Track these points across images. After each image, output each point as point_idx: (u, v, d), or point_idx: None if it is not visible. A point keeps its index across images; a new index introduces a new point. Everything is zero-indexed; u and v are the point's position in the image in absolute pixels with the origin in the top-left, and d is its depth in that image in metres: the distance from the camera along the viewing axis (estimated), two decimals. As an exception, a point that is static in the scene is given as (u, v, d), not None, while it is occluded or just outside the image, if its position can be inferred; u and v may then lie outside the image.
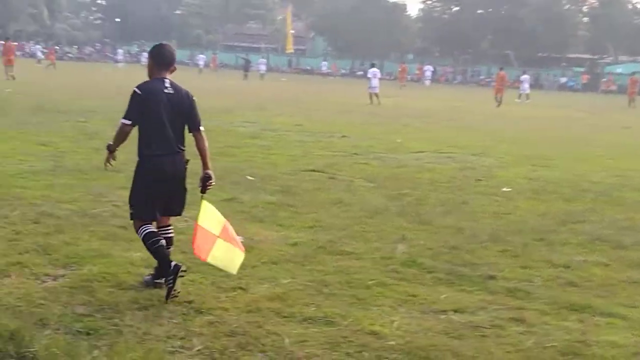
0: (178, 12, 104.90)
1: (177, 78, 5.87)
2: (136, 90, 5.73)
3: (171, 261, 5.63)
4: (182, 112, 5.85)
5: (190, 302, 5.61)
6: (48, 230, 7.49)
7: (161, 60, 5.90)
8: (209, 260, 5.73)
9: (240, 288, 6.05)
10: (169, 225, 6.09)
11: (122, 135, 5.78)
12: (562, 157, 16.90)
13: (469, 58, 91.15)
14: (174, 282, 5.55)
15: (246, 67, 61.92)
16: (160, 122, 5.72)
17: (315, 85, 56.36)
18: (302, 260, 6.96)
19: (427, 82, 67.44)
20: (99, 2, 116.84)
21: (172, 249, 6.01)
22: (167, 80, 5.83)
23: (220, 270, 6.42)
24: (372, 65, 37.15)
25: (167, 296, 5.54)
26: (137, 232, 5.86)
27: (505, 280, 6.71)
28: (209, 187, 5.94)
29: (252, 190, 10.35)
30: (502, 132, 22.85)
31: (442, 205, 10.10)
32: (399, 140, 18.48)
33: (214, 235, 5.76)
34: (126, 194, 9.58)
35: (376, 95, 34.67)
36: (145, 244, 5.78)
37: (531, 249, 7.93)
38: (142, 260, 6.56)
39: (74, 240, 7.14)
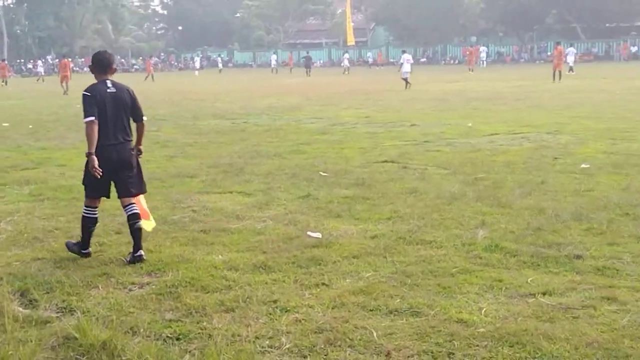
0: (238, 15, 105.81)
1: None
2: (85, 93, 6.67)
3: (88, 247, 6.96)
4: (125, 107, 6.79)
5: (275, 301, 5.62)
6: (130, 239, 7.59)
7: (101, 65, 6.83)
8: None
9: (324, 284, 6.03)
10: (131, 204, 6.95)
11: (92, 134, 6.56)
12: (641, 128, 16.42)
13: (535, 35, 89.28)
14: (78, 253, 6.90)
15: (307, 63, 62.26)
16: (106, 118, 6.61)
17: (374, 75, 56.16)
18: (382, 252, 6.90)
19: (483, 64, 66.81)
20: (161, 12, 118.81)
21: (139, 223, 6.85)
22: (109, 81, 6.76)
23: (302, 267, 6.46)
24: (404, 52, 39.65)
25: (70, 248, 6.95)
26: (84, 207, 6.96)
27: (592, 259, 6.55)
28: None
29: (326, 186, 10.34)
30: (574, 108, 22.35)
31: (520, 186, 9.91)
32: (469, 125, 18.25)
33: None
34: (204, 198, 9.79)
35: (406, 79, 36.11)
36: (82, 221, 6.93)
37: (617, 225, 7.71)
38: (224, 263, 6.62)
39: (156, 247, 7.24)
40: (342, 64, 68.49)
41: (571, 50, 49.00)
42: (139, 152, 7.09)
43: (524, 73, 52.17)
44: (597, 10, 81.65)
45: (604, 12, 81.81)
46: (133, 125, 7.02)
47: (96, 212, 6.97)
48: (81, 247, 6.95)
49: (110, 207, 9.20)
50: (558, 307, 5.36)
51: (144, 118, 7.03)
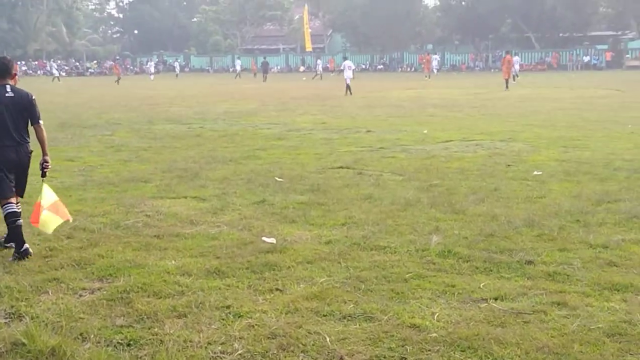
0: (195, 19, 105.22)
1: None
2: None
3: (24, 243, 7.02)
4: (24, 110, 7.19)
5: (228, 306, 5.59)
6: (82, 244, 7.52)
7: (0, 71, 7.18)
8: (39, 226, 7.10)
9: (277, 289, 6.02)
10: (17, 203, 7.27)
11: None
12: (592, 137, 16.72)
13: (490, 44, 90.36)
14: (17, 259, 6.90)
15: (265, 69, 62.22)
16: (5, 120, 7.06)
17: (329, 82, 56.31)
18: (337, 257, 6.91)
19: (435, 71, 67.57)
20: (116, 16, 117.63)
21: (20, 221, 7.11)
22: (7, 86, 7.15)
23: (256, 272, 6.44)
24: (345, 58, 40.83)
25: (14, 257, 6.96)
26: (1, 207, 7.15)
27: (544, 264, 6.63)
28: (46, 169, 7.38)
29: (282, 192, 10.32)
30: (528, 116, 22.66)
31: (473, 193, 10.00)
32: (425, 131, 18.38)
33: (43, 208, 7.11)
34: (157, 203, 9.70)
35: (348, 85, 36.69)
36: (6, 220, 7.11)
37: (568, 231, 7.83)
38: (177, 269, 6.57)
39: (108, 252, 7.16)
40: (316, 71, 67.55)
41: (516, 59, 50.27)
42: (46, 162, 7.34)
43: (479, 81, 52.71)
44: (551, 20, 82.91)
45: (558, 22, 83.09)
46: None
47: (13, 205, 7.11)
48: (18, 249, 7.00)
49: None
50: (509, 312, 5.42)
51: (41, 122, 7.31)
